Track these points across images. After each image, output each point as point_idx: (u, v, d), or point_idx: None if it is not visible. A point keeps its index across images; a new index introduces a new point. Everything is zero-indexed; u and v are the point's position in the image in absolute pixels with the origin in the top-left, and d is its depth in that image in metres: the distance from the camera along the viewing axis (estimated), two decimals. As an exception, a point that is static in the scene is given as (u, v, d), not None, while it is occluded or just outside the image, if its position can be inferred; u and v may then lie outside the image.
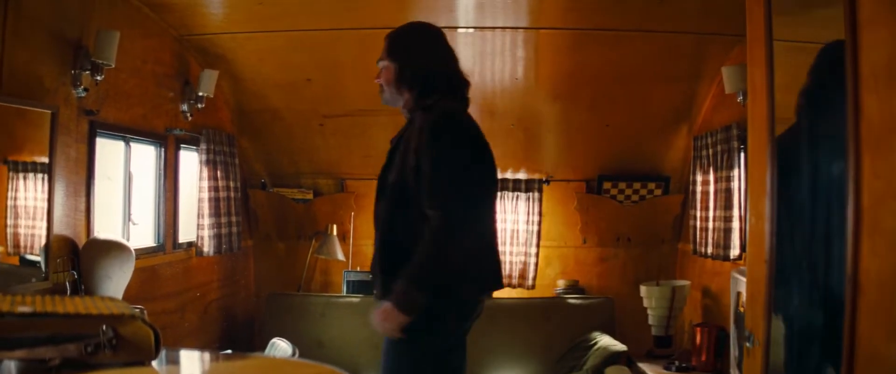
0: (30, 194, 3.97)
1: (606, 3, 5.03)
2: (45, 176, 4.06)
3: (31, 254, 4.02)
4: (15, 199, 3.87)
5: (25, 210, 3.95)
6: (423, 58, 3.28)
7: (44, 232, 4.07)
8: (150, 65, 5.24)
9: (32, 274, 4.01)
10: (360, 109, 6.41)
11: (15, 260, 3.94)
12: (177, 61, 5.64)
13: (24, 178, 3.94)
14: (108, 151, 4.96)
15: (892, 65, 1.72)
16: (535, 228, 6.78)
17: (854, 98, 1.88)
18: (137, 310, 2.24)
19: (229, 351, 5.89)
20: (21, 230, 3.94)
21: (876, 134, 1.82)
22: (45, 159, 4.07)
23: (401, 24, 5.22)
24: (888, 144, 1.77)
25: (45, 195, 4.06)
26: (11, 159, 3.88)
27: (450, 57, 3.30)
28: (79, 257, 4.33)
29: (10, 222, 3.86)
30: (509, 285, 6.85)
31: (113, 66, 4.40)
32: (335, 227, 6.87)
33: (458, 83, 3.25)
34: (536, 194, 6.79)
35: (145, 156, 5.47)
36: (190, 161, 6.01)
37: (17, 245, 3.93)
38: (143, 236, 5.39)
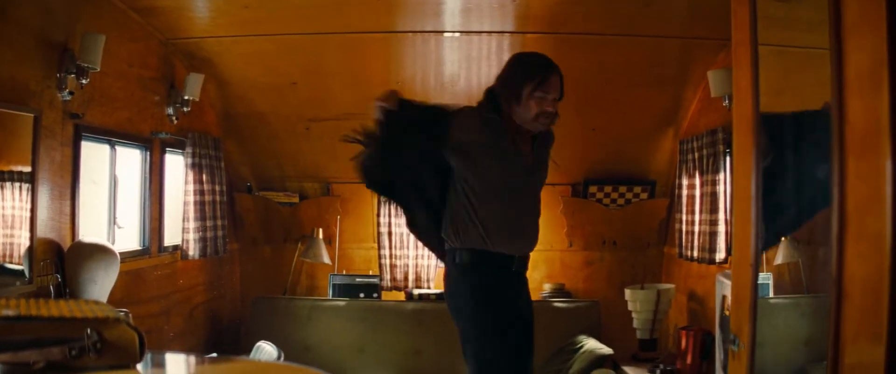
0: (8, 203, 3.94)
1: (592, 7, 5.04)
2: (25, 185, 4.04)
3: (12, 263, 3.99)
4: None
5: (4, 219, 3.92)
6: None
7: (24, 241, 4.05)
8: (135, 68, 5.23)
9: (14, 282, 3.99)
10: (345, 113, 6.39)
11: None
12: (163, 65, 5.62)
13: (2, 187, 3.91)
14: (94, 154, 4.94)
15: (875, 69, 1.73)
16: (522, 231, 6.78)
17: (838, 102, 1.88)
18: (122, 313, 2.23)
19: (215, 355, 5.86)
20: (0, 240, 3.92)
21: (859, 138, 1.83)
22: (26, 168, 4.05)
23: (387, 28, 5.23)
24: (872, 147, 1.77)
25: (27, 204, 4.04)
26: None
27: None
28: (63, 260, 4.32)
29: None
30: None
31: (98, 69, 4.39)
32: (321, 230, 6.86)
33: None
34: (523, 198, 6.79)
35: (131, 159, 5.45)
36: (175, 165, 5.99)
37: (-4, 254, 3.91)
38: (128, 239, 5.38)
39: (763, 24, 2.37)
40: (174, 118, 5.74)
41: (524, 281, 3.79)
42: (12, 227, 3.97)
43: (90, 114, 4.63)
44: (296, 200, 7.12)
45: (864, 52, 1.81)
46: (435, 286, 6.76)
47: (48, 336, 2.03)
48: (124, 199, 5.35)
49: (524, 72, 3.67)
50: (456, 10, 5.21)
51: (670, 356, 5.84)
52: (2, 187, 3.91)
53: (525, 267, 3.76)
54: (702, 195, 5.65)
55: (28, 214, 4.05)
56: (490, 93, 3.73)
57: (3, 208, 3.91)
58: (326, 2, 5.01)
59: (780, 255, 3.91)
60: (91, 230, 4.76)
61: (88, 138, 4.71)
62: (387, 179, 3.91)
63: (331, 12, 5.17)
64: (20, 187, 4.02)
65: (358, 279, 6.76)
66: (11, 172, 4.00)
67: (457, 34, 5.56)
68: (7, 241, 3.96)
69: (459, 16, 5.31)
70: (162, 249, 5.73)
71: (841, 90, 1.89)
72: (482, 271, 3.63)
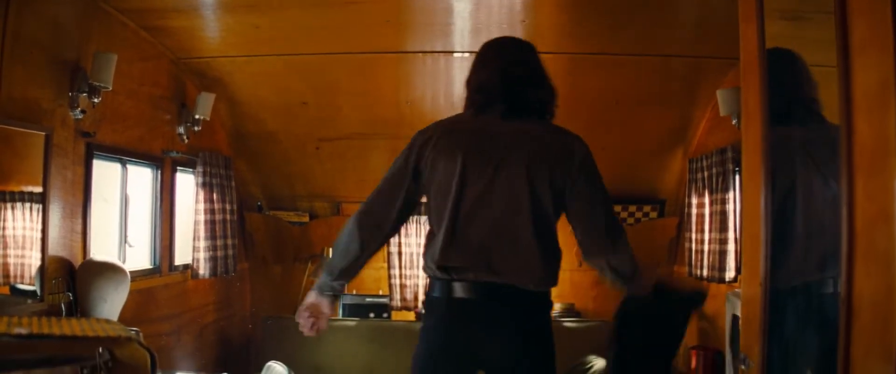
0: (19, 223, 3.96)
1: (602, 27, 5.05)
2: (35, 205, 4.06)
3: (22, 283, 4.01)
4: (4, 229, 3.87)
5: (15, 240, 3.94)
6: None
7: (34, 261, 4.07)
8: (147, 87, 5.26)
9: (25, 301, 4.01)
10: (356, 133, 6.43)
11: (5, 290, 3.94)
12: (174, 84, 5.65)
13: (13, 208, 3.94)
14: (105, 172, 4.97)
15: (883, 88, 1.74)
16: (531, 251, 6.77)
17: (846, 121, 1.89)
18: (133, 332, 2.24)
19: (225, 374, 5.87)
20: (10, 260, 3.94)
21: (868, 157, 1.83)
22: (35, 188, 4.07)
23: (396, 48, 5.24)
24: (880, 166, 1.78)
25: (35, 225, 4.06)
26: (0, 190, 3.88)
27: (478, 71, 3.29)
28: (74, 278, 4.33)
29: (-1, 251, 3.87)
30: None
31: (110, 88, 4.42)
32: (331, 250, 6.85)
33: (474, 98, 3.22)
34: (532, 217, 6.78)
35: (142, 178, 5.47)
36: (186, 183, 6.01)
37: (6, 275, 3.93)
38: (139, 258, 5.39)
39: (771, 43, 2.37)
40: (185, 137, 5.76)
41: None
42: (24, 248, 3.99)
43: (102, 132, 4.66)
44: (306, 219, 7.13)
45: (872, 71, 1.81)
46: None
47: (60, 355, 2.04)
48: (135, 217, 5.37)
49: None
50: (465, 30, 5.23)
51: (680, 375, 5.82)
52: (13, 208, 3.93)
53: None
54: (711, 214, 5.65)
55: (39, 234, 4.07)
56: None
57: (13, 227, 3.93)
58: (336, 22, 5.03)
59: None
60: (102, 249, 4.78)
61: (100, 157, 4.73)
62: None
63: (341, 32, 5.19)
64: (31, 208, 4.04)
65: (368, 299, 6.75)
66: (23, 193, 4.02)
67: (466, 55, 5.58)
68: (18, 261, 3.98)
69: (469, 36, 5.32)
70: (172, 267, 5.74)
71: (849, 109, 1.89)
72: None
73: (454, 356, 3.09)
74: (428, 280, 3.16)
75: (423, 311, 3.24)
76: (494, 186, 2.98)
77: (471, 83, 3.24)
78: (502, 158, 3.00)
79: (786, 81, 2.68)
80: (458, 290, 3.00)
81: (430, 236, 3.09)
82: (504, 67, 3.19)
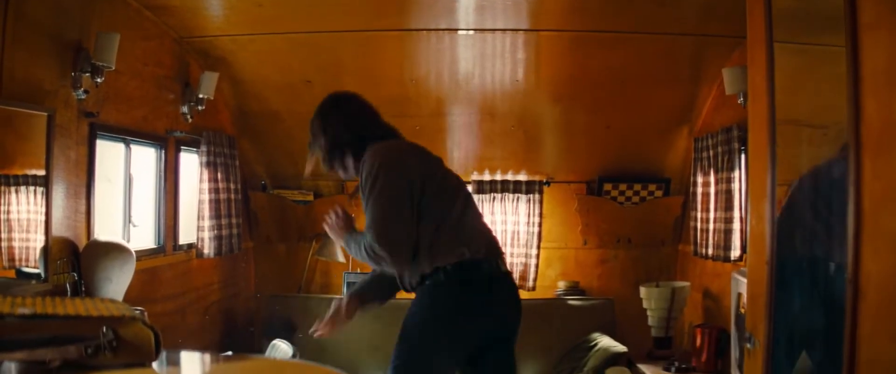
0: (23, 207, 3.96)
1: (607, 5, 5.03)
2: (38, 188, 4.05)
3: (28, 266, 4.02)
4: (8, 212, 3.87)
5: (20, 223, 3.94)
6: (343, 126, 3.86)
7: (39, 244, 4.07)
8: (150, 67, 5.24)
9: (29, 282, 4.01)
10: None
11: (11, 273, 3.94)
12: (177, 63, 5.64)
13: (17, 191, 3.93)
14: (109, 153, 4.96)
15: (891, 68, 1.73)
16: (536, 229, 6.78)
17: (854, 101, 1.88)
18: (138, 312, 2.24)
19: (230, 353, 5.89)
20: (15, 244, 3.94)
21: (876, 136, 1.82)
22: (39, 171, 4.06)
23: (401, 26, 5.22)
24: (888, 146, 1.77)
25: (40, 208, 4.05)
26: (3, 174, 3.88)
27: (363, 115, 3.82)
28: (79, 258, 4.33)
29: (3, 235, 3.86)
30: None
31: (113, 68, 4.40)
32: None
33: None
34: (537, 196, 6.78)
35: (146, 158, 5.47)
36: (190, 163, 6.01)
37: (11, 259, 3.93)
38: (143, 237, 5.39)
39: (778, 21, 2.36)
40: (189, 117, 5.75)
41: None
42: (28, 231, 3.99)
43: (105, 112, 4.65)
44: (310, 198, 7.13)
45: (880, 51, 1.80)
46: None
47: (64, 334, 2.04)
48: (139, 197, 5.37)
49: None
50: (470, 7, 5.21)
51: (685, 353, 5.83)
52: (17, 192, 3.93)
53: None
54: (717, 193, 5.64)
55: (40, 217, 4.06)
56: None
57: (18, 211, 3.92)
58: (340, 0, 5.01)
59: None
60: (106, 229, 4.78)
61: (103, 137, 4.73)
62: None
63: (344, 10, 5.17)
64: (35, 191, 4.04)
65: (372, 277, 6.75)
66: (27, 176, 4.02)
67: (471, 32, 5.56)
68: (23, 245, 3.98)
69: (473, 13, 5.30)
70: (177, 247, 5.74)
71: (857, 88, 1.88)
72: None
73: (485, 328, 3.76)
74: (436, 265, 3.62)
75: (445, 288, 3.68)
76: (459, 186, 3.68)
77: (371, 127, 3.74)
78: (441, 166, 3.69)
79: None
80: (491, 267, 3.60)
81: (437, 232, 3.52)
82: (372, 111, 3.82)
